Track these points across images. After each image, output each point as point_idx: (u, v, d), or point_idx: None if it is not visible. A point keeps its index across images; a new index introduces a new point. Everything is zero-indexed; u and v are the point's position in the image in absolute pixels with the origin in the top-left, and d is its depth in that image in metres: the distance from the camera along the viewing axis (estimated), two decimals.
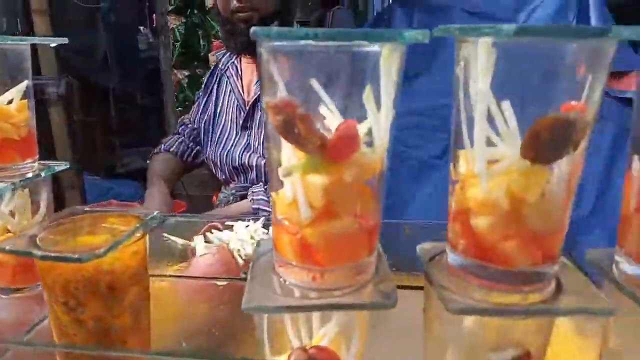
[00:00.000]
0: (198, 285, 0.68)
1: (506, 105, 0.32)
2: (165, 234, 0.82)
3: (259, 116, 1.26)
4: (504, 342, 0.37)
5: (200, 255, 0.73)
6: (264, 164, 1.22)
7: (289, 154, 0.34)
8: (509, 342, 0.37)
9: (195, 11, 1.70)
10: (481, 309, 0.32)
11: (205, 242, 0.78)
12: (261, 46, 0.32)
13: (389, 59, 0.31)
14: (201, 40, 1.68)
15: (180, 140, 1.41)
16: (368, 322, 0.41)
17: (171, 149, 1.39)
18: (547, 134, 0.30)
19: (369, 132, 0.34)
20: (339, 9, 3.44)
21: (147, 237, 0.47)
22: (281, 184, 0.34)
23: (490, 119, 0.33)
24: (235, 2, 1.21)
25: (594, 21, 1.42)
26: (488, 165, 0.33)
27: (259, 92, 1.25)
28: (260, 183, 1.24)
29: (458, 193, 0.35)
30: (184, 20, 1.69)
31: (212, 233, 0.81)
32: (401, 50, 0.33)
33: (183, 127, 1.43)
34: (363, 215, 0.35)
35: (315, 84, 0.33)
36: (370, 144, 0.34)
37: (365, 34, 0.29)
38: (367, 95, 0.32)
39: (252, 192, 1.20)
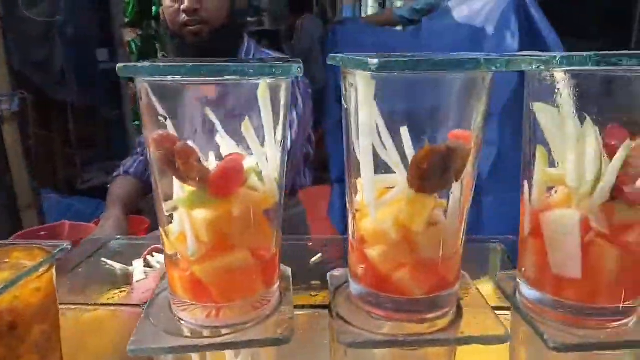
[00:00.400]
0: (130, 313, 0.66)
1: (403, 131, 0.32)
2: (104, 259, 0.79)
3: None
4: None
5: (137, 281, 0.71)
6: None
7: (177, 188, 0.33)
8: None
9: (153, 23, 1.68)
10: (371, 341, 0.32)
11: (146, 266, 0.76)
12: (136, 80, 0.31)
13: (266, 92, 0.30)
14: (158, 53, 1.66)
15: (139, 160, 1.37)
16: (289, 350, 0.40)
17: (130, 171, 1.36)
18: (426, 164, 0.30)
19: (257, 165, 0.33)
20: (308, 17, 3.45)
21: (54, 270, 0.45)
22: (168, 219, 0.33)
23: (379, 149, 0.32)
24: (184, 15, 1.19)
25: (551, 44, 1.44)
26: (378, 195, 0.33)
27: None
28: None
29: (354, 222, 0.35)
30: (139, 33, 1.66)
31: (154, 256, 0.79)
32: (285, 82, 0.32)
33: (142, 146, 1.40)
34: (258, 247, 0.35)
35: (210, 114, 0.32)
36: (259, 176, 0.33)
37: (236, 69, 0.28)
38: (246, 127, 0.31)
39: None
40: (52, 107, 2.11)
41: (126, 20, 1.70)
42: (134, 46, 1.68)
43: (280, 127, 0.33)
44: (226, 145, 0.33)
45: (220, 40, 1.19)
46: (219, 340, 0.33)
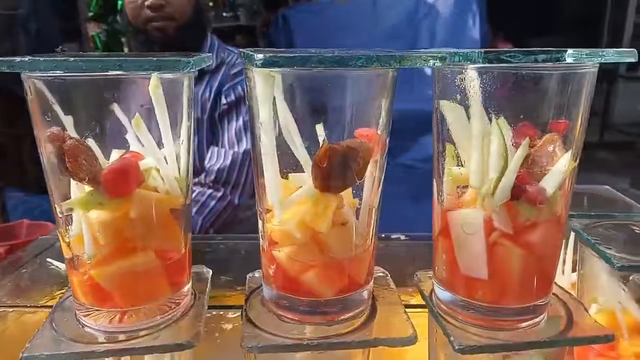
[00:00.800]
0: None
1: (319, 129, 0.31)
2: (50, 259, 0.77)
3: None
4: None
5: None
6: None
7: (74, 189, 0.32)
8: None
9: (118, 18, 1.64)
10: (272, 345, 0.31)
11: None
12: (22, 75, 0.29)
13: (158, 88, 0.29)
14: (124, 48, 1.62)
15: None
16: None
17: None
18: (325, 163, 0.29)
19: (158, 163, 0.32)
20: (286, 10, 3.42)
21: None
22: (65, 221, 0.32)
23: (292, 147, 0.31)
24: (148, 11, 1.17)
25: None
26: (287, 194, 0.32)
27: None
28: None
29: (262, 223, 0.34)
30: (105, 27, 1.62)
31: None
32: (187, 78, 0.31)
33: None
34: (164, 249, 0.33)
35: (116, 109, 0.31)
36: (160, 175, 0.32)
37: (120, 64, 0.27)
38: (137, 124, 0.30)
39: None
40: (17, 103, 2.05)
41: (90, 14, 1.66)
42: (98, 41, 1.64)
43: (183, 126, 0.32)
44: (134, 143, 0.32)
45: (185, 37, 1.17)
46: (118, 346, 0.32)
